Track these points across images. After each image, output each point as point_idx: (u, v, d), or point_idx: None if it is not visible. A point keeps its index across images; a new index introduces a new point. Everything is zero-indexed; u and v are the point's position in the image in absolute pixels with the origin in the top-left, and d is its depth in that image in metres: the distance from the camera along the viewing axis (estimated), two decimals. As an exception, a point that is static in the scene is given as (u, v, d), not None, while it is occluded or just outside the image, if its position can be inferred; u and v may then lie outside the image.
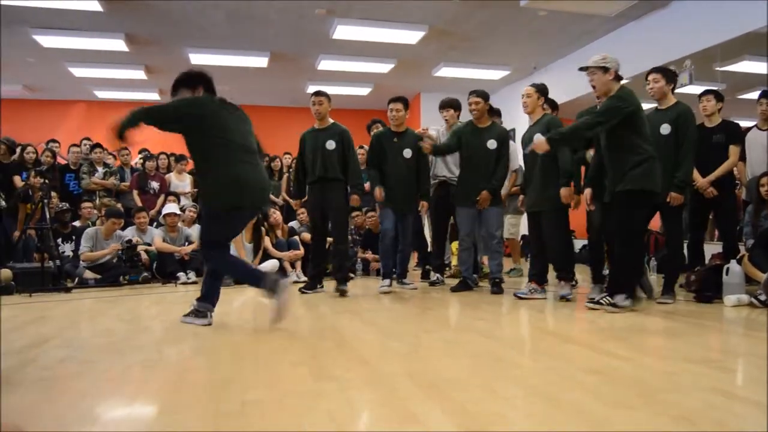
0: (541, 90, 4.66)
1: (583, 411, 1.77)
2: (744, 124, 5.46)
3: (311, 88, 10.87)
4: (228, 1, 6.83)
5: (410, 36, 8.02)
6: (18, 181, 6.60)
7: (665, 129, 4.17)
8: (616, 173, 3.80)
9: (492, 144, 4.92)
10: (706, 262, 5.04)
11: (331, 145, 4.87)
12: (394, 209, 5.17)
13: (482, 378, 2.18)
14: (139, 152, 8.75)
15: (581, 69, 3.89)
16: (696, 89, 5.70)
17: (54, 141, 8.03)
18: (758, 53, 7.31)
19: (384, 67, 9.61)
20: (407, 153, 5.13)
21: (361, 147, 6.51)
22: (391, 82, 10.37)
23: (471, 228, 5.05)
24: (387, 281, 5.10)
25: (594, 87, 3.83)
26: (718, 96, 5.00)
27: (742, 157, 5.13)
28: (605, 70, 3.74)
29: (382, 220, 5.29)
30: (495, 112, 5.74)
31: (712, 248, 5.75)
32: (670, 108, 4.23)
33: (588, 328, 3.32)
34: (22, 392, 2.03)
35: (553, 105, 5.31)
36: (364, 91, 11.06)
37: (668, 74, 4.32)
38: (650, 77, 4.31)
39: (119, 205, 7.05)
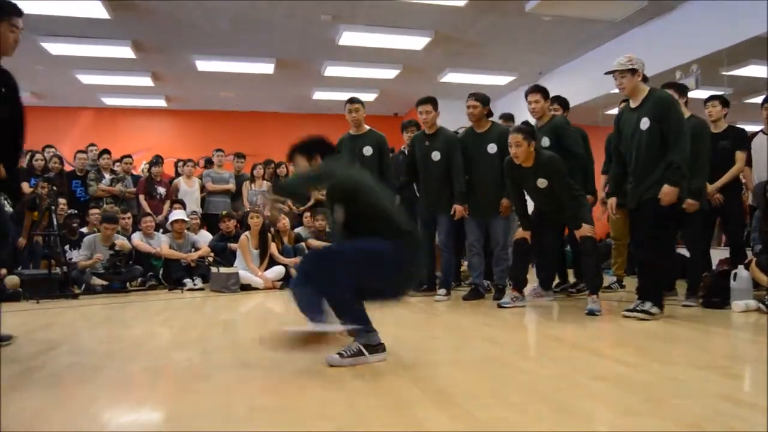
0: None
1: (592, 417, 1.76)
2: (750, 128, 5.44)
3: (317, 95, 10.92)
4: (234, 5, 6.86)
5: (416, 42, 8.03)
6: (26, 188, 6.63)
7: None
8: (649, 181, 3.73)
9: (492, 148, 4.78)
10: (713, 267, 5.02)
11: (368, 151, 4.97)
12: (427, 215, 5.04)
13: (489, 384, 2.18)
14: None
15: (607, 73, 3.85)
16: (702, 93, 5.68)
17: (50, 146, 7.86)
18: (765, 57, 7.28)
19: (390, 73, 9.62)
20: (435, 155, 4.92)
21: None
22: (397, 87, 10.38)
23: (480, 234, 4.95)
24: (443, 290, 5.00)
25: (623, 88, 3.80)
26: (724, 101, 4.98)
27: (749, 162, 5.11)
28: (634, 71, 3.74)
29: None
30: (501, 116, 5.72)
31: (719, 254, 5.72)
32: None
33: (595, 334, 3.31)
34: (30, 397, 2.04)
35: (564, 104, 5.28)
36: (370, 96, 11.06)
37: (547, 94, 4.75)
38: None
39: (116, 209, 6.87)
